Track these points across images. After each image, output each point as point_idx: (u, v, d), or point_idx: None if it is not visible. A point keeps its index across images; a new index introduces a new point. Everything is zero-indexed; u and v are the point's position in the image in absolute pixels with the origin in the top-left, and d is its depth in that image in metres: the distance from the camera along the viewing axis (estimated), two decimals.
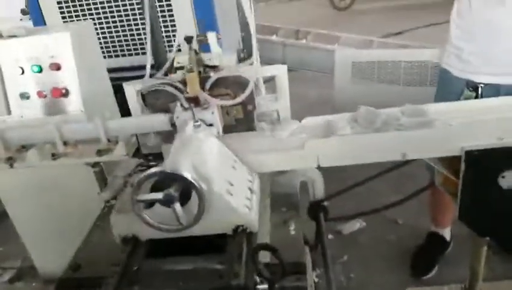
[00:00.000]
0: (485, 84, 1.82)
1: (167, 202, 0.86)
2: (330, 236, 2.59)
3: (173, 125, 1.11)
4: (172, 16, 2.34)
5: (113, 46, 2.47)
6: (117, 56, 2.49)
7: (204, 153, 0.99)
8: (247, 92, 1.15)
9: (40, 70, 1.63)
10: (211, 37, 1.28)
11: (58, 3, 2.39)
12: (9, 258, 2.67)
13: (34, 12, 2.42)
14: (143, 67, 2.56)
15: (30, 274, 2.45)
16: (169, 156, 0.94)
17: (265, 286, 0.90)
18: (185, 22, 2.32)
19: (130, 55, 2.48)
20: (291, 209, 1.24)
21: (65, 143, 1.19)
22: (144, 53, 2.46)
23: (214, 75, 1.18)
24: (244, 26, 2.67)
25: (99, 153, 1.17)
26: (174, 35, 2.33)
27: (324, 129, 1.15)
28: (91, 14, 2.40)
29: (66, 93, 1.64)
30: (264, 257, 0.94)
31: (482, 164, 1.06)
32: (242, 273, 0.85)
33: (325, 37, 4.37)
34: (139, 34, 2.43)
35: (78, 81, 1.63)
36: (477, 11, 1.78)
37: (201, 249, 0.94)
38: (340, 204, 1.54)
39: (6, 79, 1.65)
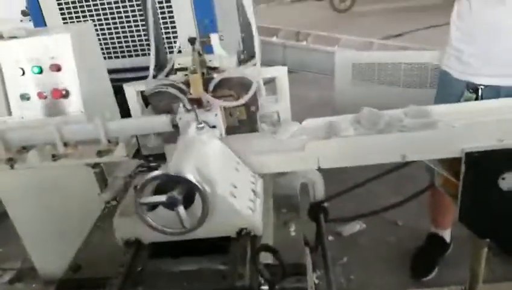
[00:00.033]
0: (485, 86, 1.83)
1: (171, 205, 0.85)
2: (330, 237, 2.59)
3: (175, 126, 1.10)
4: (172, 17, 2.34)
5: (113, 48, 2.47)
6: (117, 57, 2.49)
7: (207, 156, 0.98)
8: (251, 93, 1.15)
9: (41, 72, 1.64)
10: (214, 38, 1.28)
11: (59, 4, 2.39)
12: (9, 259, 2.67)
13: (34, 14, 2.42)
14: (143, 68, 2.56)
15: (30, 275, 2.45)
16: (173, 159, 0.94)
17: (267, 287, 0.90)
18: (186, 23, 2.32)
19: (130, 56, 2.48)
20: (292, 210, 1.24)
21: (65, 144, 1.19)
22: (144, 54, 2.46)
23: (217, 76, 1.18)
24: (244, 27, 2.67)
25: (100, 154, 1.18)
26: (174, 37, 2.33)
27: (327, 130, 1.15)
28: (91, 16, 2.40)
29: (66, 94, 1.64)
30: (266, 258, 0.94)
31: (482, 166, 1.07)
32: (246, 274, 0.85)
33: (325, 38, 4.37)
34: (139, 36, 2.43)
35: (78, 82, 1.63)
36: (477, 13, 1.78)
37: (204, 250, 0.93)
38: (340, 205, 1.54)
39: (7, 80, 1.65)
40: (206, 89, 1.16)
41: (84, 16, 2.41)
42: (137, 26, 2.40)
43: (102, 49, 2.35)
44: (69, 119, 1.61)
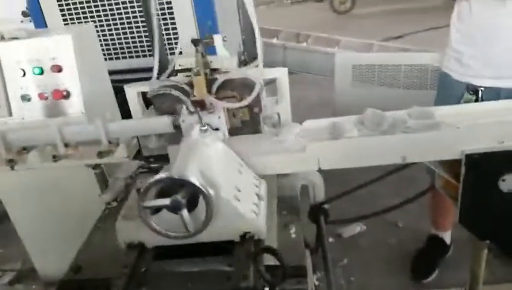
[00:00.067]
0: (485, 88, 1.83)
1: (174, 209, 0.84)
2: (331, 239, 2.58)
3: (177, 127, 1.10)
4: (173, 18, 2.35)
5: (114, 49, 2.48)
6: (118, 58, 2.49)
7: (211, 158, 0.98)
8: (254, 94, 1.14)
9: (41, 73, 1.64)
10: (218, 39, 1.28)
11: (60, 5, 2.40)
12: (9, 260, 2.66)
13: (35, 14, 2.43)
14: (143, 69, 2.58)
15: (30, 276, 2.44)
16: (176, 162, 0.93)
17: (267, 288, 0.89)
18: (186, 24, 2.33)
19: (131, 57, 2.48)
20: (292, 212, 1.24)
21: (66, 145, 1.19)
22: (144, 55, 2.47)
23: (220, 78, 1.18)
24: (245, 29, 2.68)
25: (100, 155, 1.17)
26: (175, 38, 2.33)
27: (331, 132, 1.15)
28: (92, 17, 2.41)
29: (67, 95, 1.64)
30: (266, 259, 0.94)
31: (482, 167, 1.07)
32: (251, 275, 0.85)
33: (326, 40, 4.38)
34: (139, 37, 2.44)
35: (79, 83, 1.64)
36: (477, 15, 1.79)
37: (208, 251, 0.93)
38: (340, 207, 1.54)
39: (8, 81, 1.65)
40: (209, 91, 1.16)
41: (84, 17, 2.41)
42: (138, 27, 2.40)
43: (102, 50, 2.35)
44: (69, 120, 1.62)
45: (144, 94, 1.32)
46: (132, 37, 2.44)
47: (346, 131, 1.12)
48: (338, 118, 1.20)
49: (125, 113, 1.43)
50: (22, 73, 1.64)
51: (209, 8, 2.30)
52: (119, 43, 2.46)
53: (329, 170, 1.12)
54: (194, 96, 1.15)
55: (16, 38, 1.65)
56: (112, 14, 2.40)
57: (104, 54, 2.39)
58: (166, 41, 2.35)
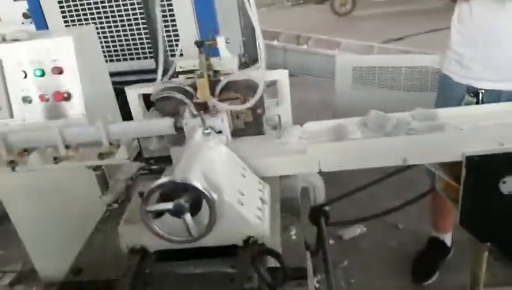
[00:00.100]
0: (486, 90, 1.83)
1: (177, 213, 0.84)
2: (331, 241, 2.58)
3: (179, 129, 1.10)
4: (174, 20, 2.35)
5: (114, 50, 2.48)
6: (118, 60, 2.50)
7: (214, 162, 0.97)
8: (258, 96, 1.14)
9: (43, 74, 1.64)
10: (221, 41, 1.28)
11: (61, 7, 2.40)
12: (10, 262, 2.66)
13: (36, 16, 2.43)
14: (144, 71, 2.58)
15: (31, 278, 2.44)
16: (179, 165, 0.93)
17: None
18: (187, 26, 2.33)
19: (132, 59, 2.49)
20: (292, 214, 1.23)
21: (67, 146, 1.19)
22: (145, 57, 2.47)
23: (223, 79, 1.18)
24: (245, 31, 2.68)
25: (101, 156, 1.18)
26: (176, 40, 2.33)
27: (334, 133, 1.15)
28: (93, 18, 2.41)
29: (68, 97, 1.64)
30: (268, 260, 0.93)
31: (482, 170, 1.07)
32: (255, 276, 0.85)
33: (326, 42, 4.39)
34: (140, 39, 2.44)
35: (80, 85, 1.64)
36: (478, 17, 1.79)
37: (211, 253, 0.92)
38: (341, 209, 1.54)
39: (9, 83, 1.66)
40: (212, 93, 1.16)
41: (85, 19, 2.42)
42: (139, 29, 2.41)
43: (103, 52, 2.35)
44: (70, 121, 1.62)
45: (144, 96, 1.32)
46: (133, 39, 2.44)
47: (350, 133, 1.11)
48: (341, 119, 1.20)
49: (126, 115, 1.43)
50: (23, 75, 1.64)
51: (209, 9, 2.31)
52: (120, 45, 2.46)
53: (329, 171, 1.12)
54: (197, 98, 1.15)
55: (17, 40, 1.66)
56: (112, 16, 2.40)
57: (105, 56, 2.39)
58: (167, 43, 2.35)
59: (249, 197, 0.97)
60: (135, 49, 2.46)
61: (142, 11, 2.30)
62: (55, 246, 1.81)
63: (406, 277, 2.32)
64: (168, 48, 2.36)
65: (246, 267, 0.86)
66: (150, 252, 0.95)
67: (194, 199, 0.85)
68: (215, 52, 1.30)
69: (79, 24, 2.42)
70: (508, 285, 2.12)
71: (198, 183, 0.84)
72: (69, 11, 2.41)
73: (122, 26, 2.41)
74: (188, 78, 1.27)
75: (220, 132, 1.09)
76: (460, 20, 1.87)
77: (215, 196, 0.85)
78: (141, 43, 2.44)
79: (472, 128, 1.10)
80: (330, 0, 9.54)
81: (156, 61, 2.03)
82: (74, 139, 1.19)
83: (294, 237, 1.14)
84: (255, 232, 0.92)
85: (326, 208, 1.39)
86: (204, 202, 0.86)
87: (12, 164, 1.20)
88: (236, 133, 1.18)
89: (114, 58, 2.49)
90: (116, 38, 2.45)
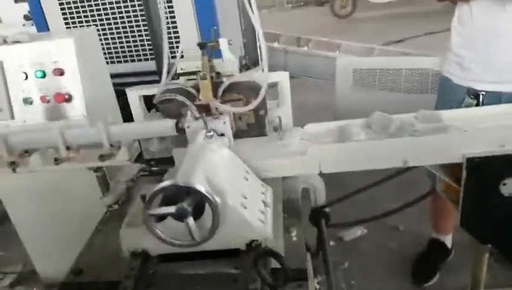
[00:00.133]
0: (486, 92, 1.83)
1: (180, 216, 0.83)
2: (331, 243, 2.58)
3: (180, 130, 1.10)
4: (175, 22, 2.35)
5: (115, 52, 2.48)
6: (119, 62, 2.50)
7: (217, 165, 0.97)
8: (260, 97, 1.14)
9: (44, 76, 1.64)
10: (223, 43, 1.28)
11: (62, 9, 2.41)
12: (10, 263, 2.66)
13: (37, 18, 2.44)
14: (145, 73, 2.58)
15: (31, 279, 2.44)
16: (182, 169, 0.92)
17: None
18: (188, 28, 2.34)
19: (133, 61, 2.49)
20: (293, 215, 1.23)
21: (68, 148, 1.20)
22: (146, 59, 2.48)
23: (226, 81, 1.18)
24: (246, 33, 2.69)
25: (102, 158, 1.18)
26: (176, 42, 2.34)
27: (338, 135, 1.15)
28: (94, 20, 2.41)
29: (69, 99, 1.65)
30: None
31: (483, 171, 1.07)
32: (258, 278, 0.85)
33: (326, 44, 4.39)
34: (141, 40, 2.44)
35: (81, 87, 1.64)
36: (478, 19, 1.79)
37: (215, 253, 0.92)
38: (341, 211, 1.54)
39: (10, 84, 1.66)
40: (215, 94, 1.16)
41: (86, 21, 2.42)
42: (140, 31, 2.41)
43: (104, 53, 2.36)
44: (71, 123, 1.62)
45: (145, 97, 1.33)
46: (134, 41, 2.45)
47: (354, 134, 1.11)
48: (344, 121, 1.20)
49: (127, 117, 1.43)
50: (24, 76, 1.64)
51: (210, 11, 2.31)
52: (120, 47, 2.47)
53: (330, 173, 1.12)
54: (200, 100, 1.15)
55: (18, 41, 1.66)
56: (113, 18, 2.40)
57: (106, 58, 2.40)
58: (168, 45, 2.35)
59: (252, 201, 0.97)
60: (136, 51, 2.47)
61: (143, 13, 2.31)
62: (55, 247, 1.81)
63: (407, 279, 2.31)
64: (168, 50, 2.36)
65: (249, 268, 0.86)
66: (152, 256, 0.94)
67: (196, 203, 0.84)
68: (216, 54, 1.30)
69: (80, 26, 2.42)
70: (508, 287, 2.11)
71: (201, 187, 0.83)
72: (70, 13, 2.41)
73: (123, 28, 2.42)
74: (188, 79, 1.27)
75: (222, 134, 1.08)
76: (460, 22, 1.88)
77: (218, 199, 0.85)
78: (142, 45, 2.45)
79: (473, 130, 1.10)
80: (330, 3, 9.56)
81: (157, 63, 2.04)
82: (75, 141, 1.19)
83: (295, 239, 1.14)
84: (257, 236, 0.91)
85: (327, 209, 1.38)
86: (207, 206, 0.85)
87: (13, 165, 1.20)
88: (238, 135, 1.17)
89: (115, 59, 2.49)
90: (117, 40, 2.45)
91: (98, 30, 2.35)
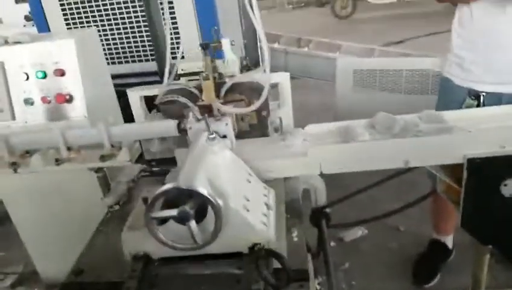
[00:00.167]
0: (487, 93, 1.83)
1: (182, 219, 0.83)
2: (332, 243, 2.59)
3: (182, 130, 1.10)
4: (175, 23, 2.36)
5: (116, 53, 2.49)
6: (120, 62, 2.50)
7: (219, 167, 0.96)
8: (263, 98, 1.13)
9: (45, 76, 1.65)
10: (226, 43, 1.28)
11: (63, 10, 2.41)
12: (11, 263, 2.66)
13: (38, 19, 2.44)
14: (145, 73, 2.58)
15: (32, 279, 2.44)
16: (184, 171, 0.91)
17: None
18: (188, 29, 2.34)
19: (134, 61, 2.49)
20: (294, 216, 1.23)
21: (69, 148, 1.20)
22: (147, 60, 2.48)
23: (229, 81, 1.18)
24: (247, 33, 2.69)
25: (103, 158, 1.18)
26: (177, 43, 2.34)
27: (343, 135, 1.15)
28: (95, 21, 2.42)
29: (70, 99, 1.65)
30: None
31: (484, 172, 1.07)
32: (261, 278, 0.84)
33: (327, 45, 4.40)
34: (142, 41, 2.45)
35: (82, 87, 1.64)
36: (479, 20, 1.79)
37: (218, 253, 0.92)
38: (342, 211, 1.54)
39: (11, 85, 1.66)
40: (217, 95, 1.16)
41: (87, 22, 2.42)
42: (141, 31, 2.42)
43: (105, 54, 2.36)
44: (72, 124, 1.62)
45: (146, 98, 1.33)
46: (135, 41, 2.45)
47: (359, 134, 1.11)
48: (347, 121, 1.20)
49: (128, 117, 1.43)
50: (25, 77, 1.65)
51: (211, 12, 2.31)
52: (121, 47, 2.47)
53: (331, 173, 1.12)
54: (202, 100, 1.15)
55: (19, 42, 1.66)
56: (114, 19, 2.41)
57: (107, 58, 2.40)
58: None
59: (254, 203, 0.96)
60: (137, 51, 2.47)
61: (143, 13, 2.31)
62: (56, 247, 1.81)
63: (407, 279, 2.31)
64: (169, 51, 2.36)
65: (252, 268, 0.86)
66: (153, 259, 0.94)
67: (199, 206, 0.84)
68: (218, 55, 1.30)
69: (81, 27, 2.43)
70: (509, 288, 2.11)
71: (203, 190, 0.83)
72: (70, 14, 2.42)
73: (124, 28, 2.42)
74: (189, 80, 1.28)
75: (224, 136, 1.07)
76: (461, 24, 1.88)
77: (220, 202, 0.84)
78: (143, 46, 2.45)
79: (474, 131, 1.10)
80: (331, 3, 9.57)
81: (158, 63, 2.04)
82: (76, 141, 1.19)
83: (296, 239, 1.13)
84: (260, 239, 0.91)
85: (328, 210, 1.39)
86: (209, 209, 0.84)
87: (14, 166, 1.21)
88: (241, 135, 1.17)
89: (116, 60, 2.49)
90: (117, 41, 2.46)
91: (98, 31, 2.35)
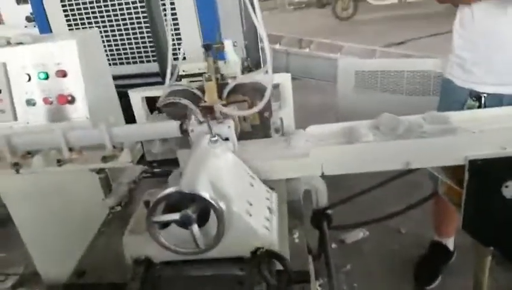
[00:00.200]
0: (488, 94, 1.83)
1: (184, 223, 0.82)
2: (333, 245, 2.58)
3: (185, 131, 1.09)
4: (177, 24, 2.36)
5: (118, 54, 2.49)
6: (122, 63, 2.51)
7: (221, 170, 0.95)
8: (265, 99, 1.13)
9: (47, 77, 1.65)
10: (228, 44, 1.28)
11: (64, 10, 2.41)
12: (12, 264, 2.67)
13: (40, 20, 2.44)
14: (147, 74, 2.58)
15: (33, 280, 2.45)
16: (186, 175, 0.91)
17: None
18: (190, 30, 2.34)
19: (135, 62, 2.50)
20: (295, 217, 1.23)
21: (70, 149, 1.20)
22: (148, 61, 2.48)
23: (231, 82, 1.18)
24: (248, 34, 2.69)
25: (104, 159, 1.18)
26: (178, 44, 2.34)
27: (346, 136, 1.14)
28: (96, 22, 2.42)
29: (71, 100, 1.65)
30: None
31: (485, 174, 1.07)
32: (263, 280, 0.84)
33: (328, 46, 4.40)
34: (144, 42, 2.45)
35: (84, 88, 1.64)
36: (480, 21, 1.79)
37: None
38: (343, 213, 1.54)
39: (13, 85, 1.66)
40: (220, 96, 1.16)
41: (89, 22, 2.43)
42: (142, 32, 2.42)
43: (107, 55, 2.36)
44: (74, 124, 1.62)
45: (148, 99, 1.33)
46: (136, 43, 2.45)
47: (363, 135, 1.11)
48: (349, 122, 1.20)
49: (130, 118, 1.43)
50: (27, 78, 1.65)
51: (212, 13, 2.31)
52: (123, 49, 2.47)
53: (332, 175, 1.12)
54: (205, 101, 1.15)
55: (21, 43, 1.67)
56: (116, 20, 2.41)
57: (109, 59, 2.40)
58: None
59: (257, 207, 0.96)
60: (138, 52, 2.47)
61: (145, 14, 2.31)
62: (57, 248, 1.81)
63: (409, 281, 2.31)
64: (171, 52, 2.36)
65: (254, 270, 0.86)
66: (155, 263, 0.93)
67: (201, 210, 0.83)
68: (219, 56, 1.30)
69: (82, 27, 2.43)
70: None
71: (206, 194, 0.82)
72: (72, 15, 2.42)
73: (125, 29, 2.42)
74: (191, 81, 1.28)
75: (226, 138, 1.06)
76: (462, 25, 1.88)
77: (223, 205, 0.84)
78: (144, 47, 2.45)
79: (477, 133, 1.10)
80: (332, 5, 9.58)
81: (160, 64, 2.04)
82: (77, 142, 1.19)
83: (297, 241, 1.13)
84: (263, 243, 0.90)
85: (329, 211, 1.38)
86: (211, 213, 0.84)
87: (16, 166, 1.21)
88: (243, 136, 1.17)
89: (117, 61, 2.50)
90: (119, 42, 2.46)
91: (100, 32, 2.36)
